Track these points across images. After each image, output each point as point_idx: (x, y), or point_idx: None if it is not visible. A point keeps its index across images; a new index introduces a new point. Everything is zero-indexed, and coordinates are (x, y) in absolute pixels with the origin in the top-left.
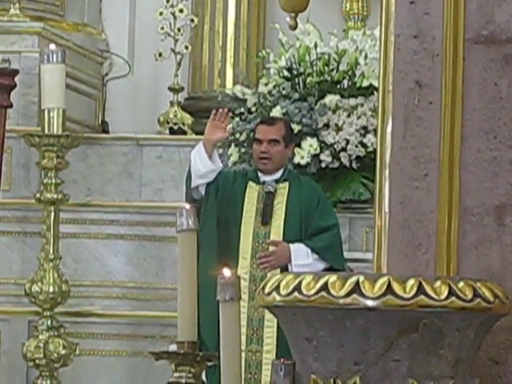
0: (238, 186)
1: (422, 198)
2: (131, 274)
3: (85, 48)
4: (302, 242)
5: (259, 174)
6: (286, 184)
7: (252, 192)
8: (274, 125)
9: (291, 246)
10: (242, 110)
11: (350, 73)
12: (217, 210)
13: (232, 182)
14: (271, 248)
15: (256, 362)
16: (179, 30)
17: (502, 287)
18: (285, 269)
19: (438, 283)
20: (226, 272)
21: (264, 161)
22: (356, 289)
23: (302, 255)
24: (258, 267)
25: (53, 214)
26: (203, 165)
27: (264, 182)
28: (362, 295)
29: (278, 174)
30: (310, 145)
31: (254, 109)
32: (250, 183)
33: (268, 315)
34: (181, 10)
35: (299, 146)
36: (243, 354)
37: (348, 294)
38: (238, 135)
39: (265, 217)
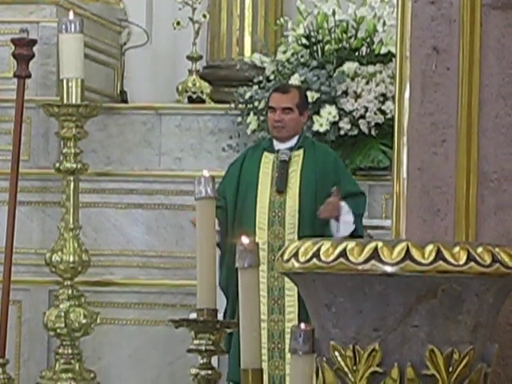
0: (252, 160)
1: (440, 164)
2: (151, 242)
3: (103, 17)
4: (345, 201)
5: (274, 142)
6: (301, 151)
7: (267, 162)
8: (287, 93)
9: (341, 203)
10: (261, 78)
11: (368, 40)
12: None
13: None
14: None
15: (279, 331)
16: None
17: None
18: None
19: (457, 249)
20: (244, 239)
21: (278, 129)
22: (374, 255)
23: (346, 212)
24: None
25: (72, 183)
26: None
27: (278, 151)
28: (381, 261)
29: (293, 142)
30: (328, 112)
31: (272, 77)
32: (265, 153)
33: (288, 284)
34: None
35: (318, 113)
36: (265, 324)
37: (366, 260)
38: (256, 103)
39: (280, 185)
